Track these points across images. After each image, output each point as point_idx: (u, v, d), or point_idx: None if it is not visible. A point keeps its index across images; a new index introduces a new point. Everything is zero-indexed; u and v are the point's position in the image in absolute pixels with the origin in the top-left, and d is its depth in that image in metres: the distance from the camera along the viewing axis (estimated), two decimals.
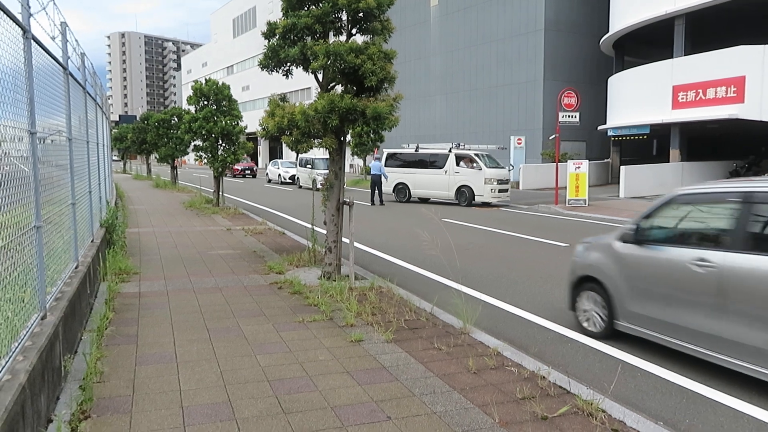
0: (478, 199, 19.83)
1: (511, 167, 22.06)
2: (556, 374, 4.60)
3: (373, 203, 21.01)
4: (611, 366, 5.05)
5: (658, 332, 5.19)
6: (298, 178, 31.64)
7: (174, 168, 30.48)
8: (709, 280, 4.67)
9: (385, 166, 21.96)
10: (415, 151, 21.81)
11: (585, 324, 6.04)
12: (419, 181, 21.49)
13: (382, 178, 21.30)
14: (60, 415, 3.73)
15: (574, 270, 6.29)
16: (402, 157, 22.30)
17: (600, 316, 5.83)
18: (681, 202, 5.41)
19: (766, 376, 4.29)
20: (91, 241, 7.96)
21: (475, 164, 19.98)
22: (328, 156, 8.12)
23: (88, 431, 3.62)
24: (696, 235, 5.28)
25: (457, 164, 20.36)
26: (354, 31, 7.87)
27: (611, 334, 5.69)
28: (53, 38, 5.33)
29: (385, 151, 22.98)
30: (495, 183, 19.77)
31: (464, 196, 20.18)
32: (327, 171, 8.21)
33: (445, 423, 3.79)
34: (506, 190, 20.36)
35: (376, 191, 21.12)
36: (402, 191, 22.05)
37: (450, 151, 20.75)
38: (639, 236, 5.46)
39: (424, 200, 21.83)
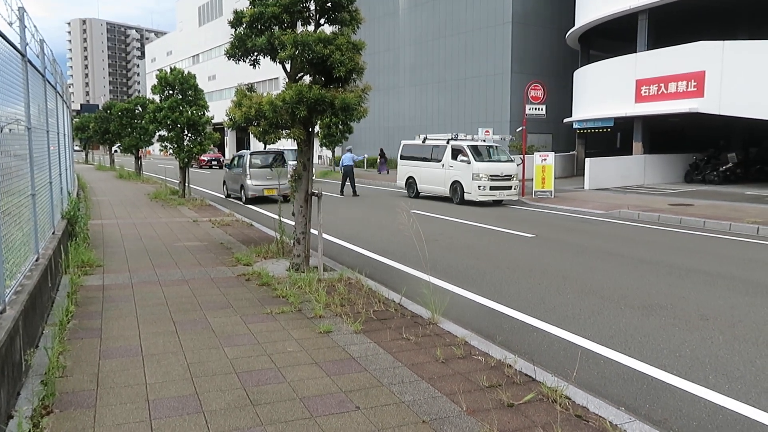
0: (466, 196, 17.80)
1: (520, 161, 19.88)
2: (522, 362, 4.68)
3: (342, 194, 21.15)
4: (575, 354, 5.17)
5: (233, 193, 19.58)
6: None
7: (138, 158, 29.89)
8: (240, 175, 18.71)
9: (400, 158, 20.90)
10: (423, 142, 20.24)
11: (226, 193, 20.46)
12: (423, 175, 19.91)
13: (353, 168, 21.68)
14: (21, 410, 3.64)
15: (223, 179, 20.87)
16: (412, 149, 20.76)
17: (226, 192, 20.29)
18: (241, 156, 19.39)
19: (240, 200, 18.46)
20: (53, 233, 7.76)
21: (465, 157, 17.97)
22: (293, 147, 8.06)
23: (50, 427, 3.55)
24: (237, 163, 19.40)
25: (454, 157, 18.42)
26: (322, 21, 7.81)
27: (227, 196, 19.94)
28: (10, 24, 5.15)
29: (402, 142, 21.68)
30: (485, 179, 17.45)
31: (456, 192, 18.26)
32: (296, 162, 8.15)
33: (414, 412, 3.82)
34: (507, 188, 17.90)
35: (347, 182, 21.47)
36: (411, 186, 20.57)
37: (447, 142, 18.95)
38: (228, 166, 20.44)
39: (431, 197, 20.05)
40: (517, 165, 18.93)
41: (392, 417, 3.75)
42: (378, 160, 35.29)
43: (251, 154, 18.98)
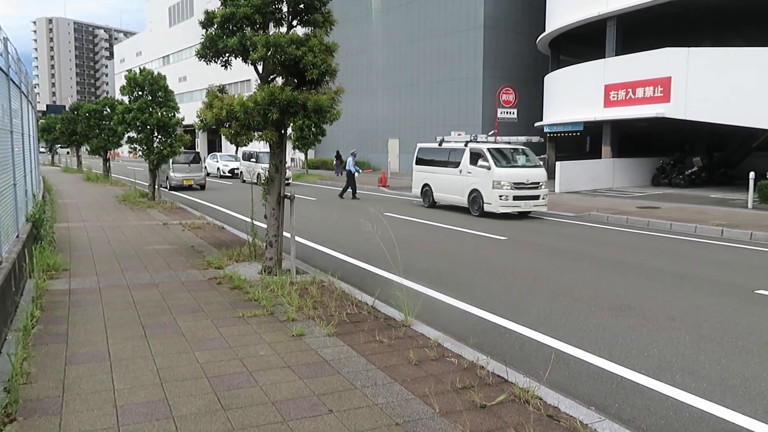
0: (486, 207, 15.38)
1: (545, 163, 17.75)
2: (494, 364, 4.71)
3: (341, 197, 21.24)
4: (547, 355, 5.22)
5: (162, 183, 21.24)
6: (241, 172, 30.95)
7: (107, 161, 29.32)
8: (166, 169, 23.54)
9: (416, 163, 18.67)
10: (439, 145, 17.93)
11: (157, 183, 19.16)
12: (440, 182, 17.53)
13: (355, 173, 21.37)
14: None
15: (165, 172, 24.28)
16: (428, 153, 18.46)
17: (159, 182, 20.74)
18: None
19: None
20: (17, 237, 7.56)
21: (484, 162, 15.46)
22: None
23: None
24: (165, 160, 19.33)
25: (473, 162, 15.97)
26: (295, 22, 7.78)
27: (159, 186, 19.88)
28: None
29: (418, 145, 19.48)
30: (508, 188, 15.01)
31: (477, 203, 15.79)
32: (269, 165, 8.09)
33: (387, 414, 3.82)
34: (534, 198, 15.39)
35: (349, 186, 21.36)
36: (427, 195, 18.27)
37: (466, 145, 16.58)
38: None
39: (451, 207, 17.65)
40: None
41: (365, 420, 3.74)
42: (334, 162, 35.79)
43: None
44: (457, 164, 16.68)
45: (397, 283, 6.65)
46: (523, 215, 15.92)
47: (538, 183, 15.55)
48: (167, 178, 24.25)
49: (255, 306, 6.30)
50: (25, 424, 3.59)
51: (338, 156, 35.46)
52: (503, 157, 15.91)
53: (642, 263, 9.52)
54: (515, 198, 15.15)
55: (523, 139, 17.59)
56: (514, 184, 15.16)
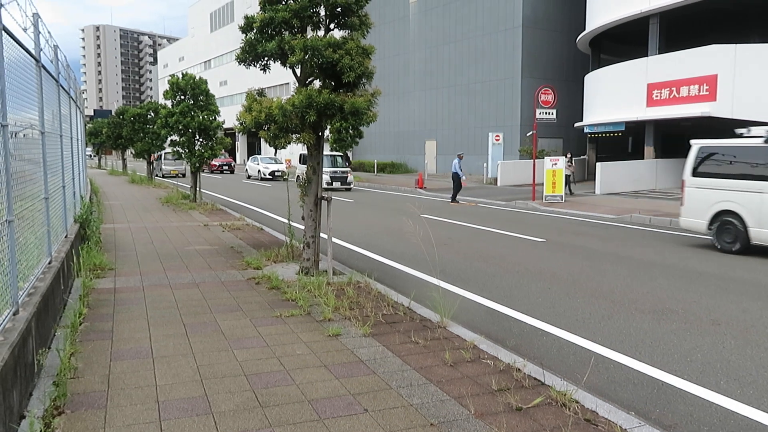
0: None
1: None
2: (531, 366, 4.67)
3: (456, 201, 20.73)
4: (585, 359, 5.14)
5: (158, 173, 35.15)
6: (298, 176, 31.10)
7: (150, 163, 30.10)
8: (161, 162, 36.26)
9: (694, 174, 11.27)
10: (765, 142, 10.09)
11: (156, 173, 31.67)
12: None
13: (460, 177, 20.52)
14: (33, 411, 3.68)
15: (155, 165, 31.84)
16: (730, 155, 10.97)
17: (156, 172, 31.74)
18: (161, 154, 31.00)
19: None
20: (65, 237, 7.85)
21: None
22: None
23: (62, 427, 3.59)
24: (161, 158, 35.15)
25: None
26: (332, 26, 7.86)
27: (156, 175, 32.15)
28: (25, 29, 5.23)
29: (694, 144, 11.59)
30: None
31: None
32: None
33: (422, 415, 3.82)
34: None
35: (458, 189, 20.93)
36: (728, 231, 10.46)
37: None
38: (158, 159, 34.53)
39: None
40: None
41: (400, 420, 3.75)
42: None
43: (165, 152, 29.79)
44: None
45: (434, 285, 6.65)
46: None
47: None
48: (161, 169, 35.69)
49: (292, 306, 6.38)
50: (73, 417, 3.73)
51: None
52: None
53: (685, 266, 9.27)
54: None
55: None
56: None
